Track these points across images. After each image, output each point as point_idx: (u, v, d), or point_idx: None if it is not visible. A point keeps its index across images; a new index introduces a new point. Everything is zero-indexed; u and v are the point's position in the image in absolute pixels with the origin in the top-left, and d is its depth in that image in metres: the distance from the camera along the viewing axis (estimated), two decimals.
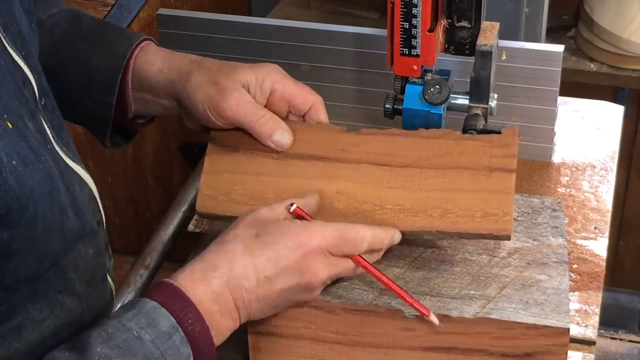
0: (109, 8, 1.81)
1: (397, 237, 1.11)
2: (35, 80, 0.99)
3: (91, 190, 1.07)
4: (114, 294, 1.14)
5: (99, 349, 0.93)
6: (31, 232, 0.88)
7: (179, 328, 0.96)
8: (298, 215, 1.09)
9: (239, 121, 1.17)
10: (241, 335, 1.17)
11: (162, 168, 2.16)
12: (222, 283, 1.01)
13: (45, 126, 0.99)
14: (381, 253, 1.12)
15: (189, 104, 1.18)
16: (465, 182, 1.14)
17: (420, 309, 1.08)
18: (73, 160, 1.04)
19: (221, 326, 1.01)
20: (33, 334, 0.95)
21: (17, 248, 0.87)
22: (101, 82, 1.20)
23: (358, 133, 1.20)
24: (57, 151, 1.00)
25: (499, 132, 1.20)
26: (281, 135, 1.18)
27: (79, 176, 1.04)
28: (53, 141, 1.00)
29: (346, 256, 1.07)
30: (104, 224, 1.11)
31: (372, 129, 1.20)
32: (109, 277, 1.11)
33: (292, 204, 1.08)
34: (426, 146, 1.17)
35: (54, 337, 0.97)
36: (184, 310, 0.97)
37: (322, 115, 1.21)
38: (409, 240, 1.15)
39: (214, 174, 1.18)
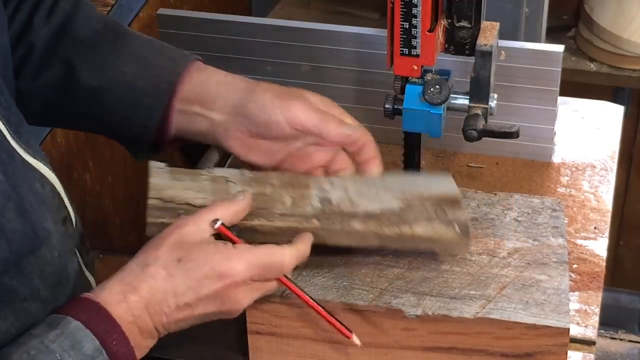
0: (109, 8, 1.81)
1: (312, 238, 1.11)
2: None
3: (54, 187, 1.07)
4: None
5: None
6: None
7: (103, 351, 0.95)
8: (223, 233, 1.06)
9: (308, 119, 1.15)
10: (241, 335, 1.17)
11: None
12: (141, 308, 0.99)
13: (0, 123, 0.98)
14: None
15: (256, 105, 1.16)
16: None
17: (342, 331, 1.08)
18: (33, 157, 1.03)
19: (141, 345, 1.00)
20: None
21: None
22: (145, 105, 1.19)
23: None
24: (13, 148, 0.99)
25: (500, 132, 1.20)
26: (348, 127, 1.16)
27: (40, 173, 1.04)
28: (10, 138, 0.99)
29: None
30: (73, 220, 1.10)
31: None
32: (87, 273, 1.11)
33: (216, 221, 1.05)
34: None
35: None
36: (109, 331, 0.96)
37: (373, 152, 1.18)
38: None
39: None
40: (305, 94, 1.18)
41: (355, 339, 1.08)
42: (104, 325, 0.96)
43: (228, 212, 1.07)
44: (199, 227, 1.05)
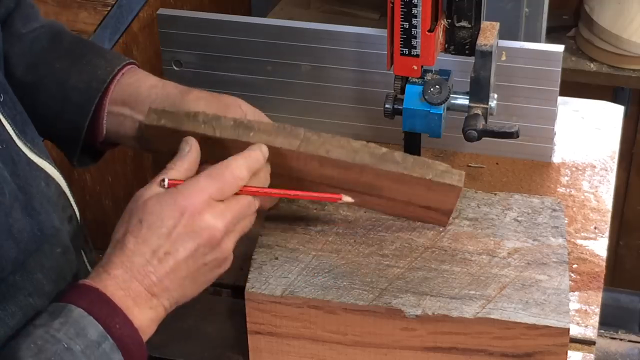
0: (109, 8, 1.81)
1: (265, 149, 1.08)
2: None
3: (59, 185, 1.07)
4: None
5: None
6: None
7: (108, 336, 0.95)
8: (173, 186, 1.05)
9: None
10: (241, 335, 1.17)
11: (161, 168, 2.15)
12: (127, 278, 0.98)
13: (5, 122, 0.98)
14: (268, 171, 1.09)
15: None
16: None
17: (331, 198, 1.10)
18: (39, 156, 1.03)
19: (142, 319, 0.99)
20: (5, 339, 0.95)
21: None
22: (76, 103, 1.19)
23: None
24: (19, 147, 0.99)
25: (500, 132, 1.20)
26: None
27: (45, 172, 1.04)
28: (16, 138, 0.99)
29: (236, 194, 1.04)
30: (78, 219, 1.10)
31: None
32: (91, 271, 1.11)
33: (163, 180, 1.05)
34: None
35: None
36: (110, 314, 0.96)
37: None
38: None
39: None
40: (239, 103, 1.18)
41: (346, 197, 1.09)
42: (105, 309, 0.96)
43: (181, 171, 1.06)
44: (150, 189, 1.04)
